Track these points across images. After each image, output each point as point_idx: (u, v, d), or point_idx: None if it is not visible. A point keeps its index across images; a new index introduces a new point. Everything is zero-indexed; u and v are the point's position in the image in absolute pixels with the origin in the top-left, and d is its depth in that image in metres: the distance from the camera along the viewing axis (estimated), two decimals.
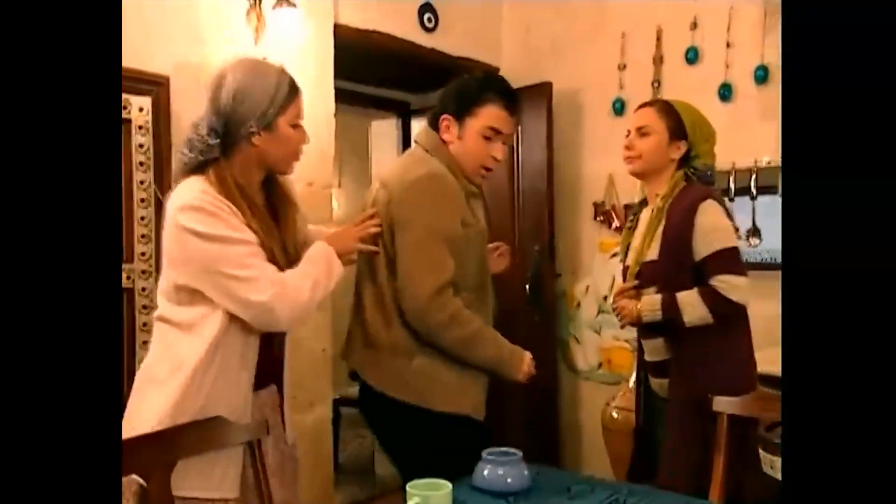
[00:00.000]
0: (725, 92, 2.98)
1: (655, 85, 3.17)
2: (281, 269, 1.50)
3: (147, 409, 1.47)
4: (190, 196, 1.45)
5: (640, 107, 2.09)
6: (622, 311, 2.02)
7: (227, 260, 1.44)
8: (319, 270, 1.54)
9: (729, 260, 1.88)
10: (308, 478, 2.64)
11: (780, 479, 2.35)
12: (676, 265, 1.92)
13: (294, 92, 1.54)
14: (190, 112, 2.37)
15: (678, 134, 1.99)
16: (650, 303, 1.94)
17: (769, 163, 2.81)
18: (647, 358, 2.04)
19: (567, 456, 3.48)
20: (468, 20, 3.47)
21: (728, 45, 2.97)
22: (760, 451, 2.50)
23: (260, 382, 1.60)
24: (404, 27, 3.14)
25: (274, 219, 1.56)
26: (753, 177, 2.86)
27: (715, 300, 1.86)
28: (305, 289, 1.49)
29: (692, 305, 1.87)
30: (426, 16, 3.25)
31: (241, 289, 1.44)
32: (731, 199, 2.93)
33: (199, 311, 1.48)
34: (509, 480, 1.47)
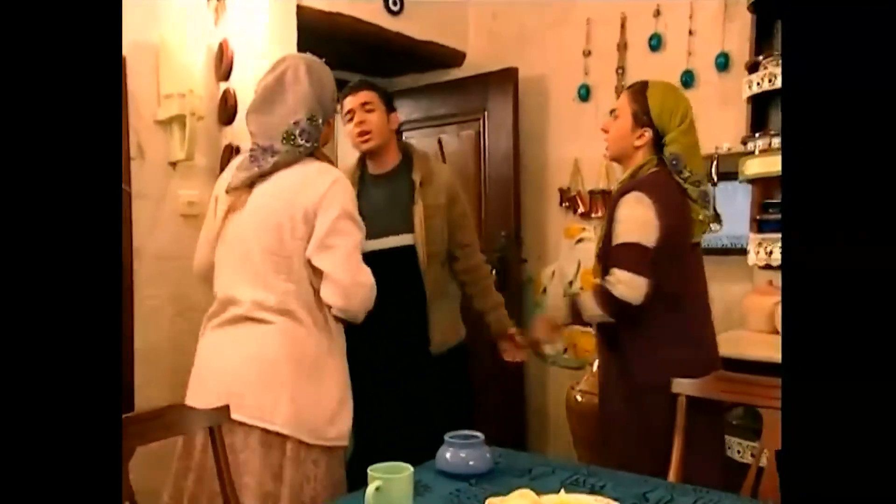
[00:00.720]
0: (688, 79, 3.02)
1: (620, 72, 3.20)
2: None
3: (329, 395, 1.66)
4: (342, 178, 1.68)
5: (627, 88, 2.06)
6: None
7: (359, 241, 1.67)
8: None
9: (624, 255, 1.83)
10: None
11: (736, 458, 2.41)
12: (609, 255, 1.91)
13: None
14: (147, 92, 2.33)
15: (641, 121, 1.93)
16: (563, 305, 2.02)
17: (729, 149, 2.85)
18: None
19: (533, 439, 3.52)
20: (434, 4, 3.45)
21: (690, 32, 3.01)
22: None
23: None
24: (369, 10, 3.10)
25: None
26: (714, 163, 2.90)
27: (602, 297, 1.85)
28: None
29: (588, 307, 1.90)
30: None
31: (363, 273, 1.67)
32: (715, 184, 2.91)
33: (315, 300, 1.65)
34: (471, 463, 1.48)
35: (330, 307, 1.66)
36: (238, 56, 2.36)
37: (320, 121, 1.68)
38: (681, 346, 1.93)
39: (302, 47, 2.68)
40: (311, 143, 1.66)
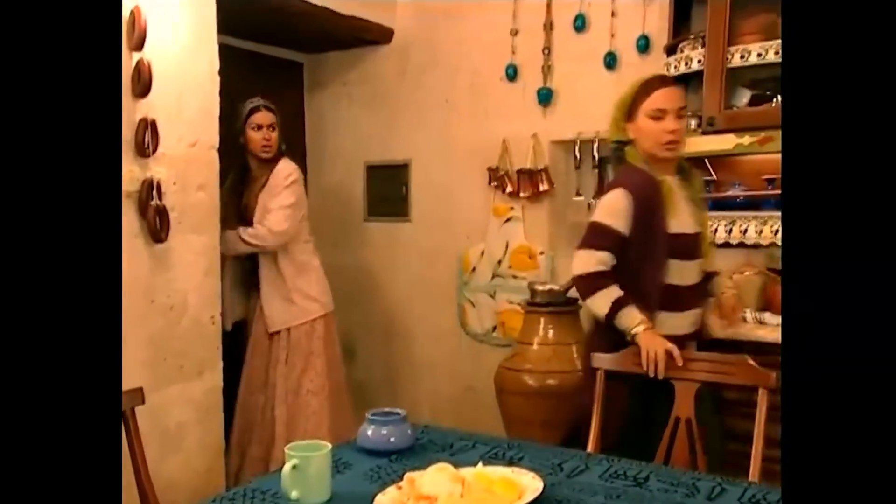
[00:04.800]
0: (611, 60, 3.07)
1: (546, 52, 3.22)
2: None
3: None
4: None
5: (663, 85, 2.02)
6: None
7: None
8: None
9: None
10: (197, 447, 2.57)
11: None
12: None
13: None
14: None
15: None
16: None
17: None
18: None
19: (465, 417, 3.55)
20: None
21: (613, 14, 3.05)
22: None
23: None
24: None
25: None
26: None
27: None
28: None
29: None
30: None
31: None
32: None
33: None
34: (392, 439, 1.48)
35: None
36: (152, 25, 2.26)
37: None
38: None
39: (221, 18, 2.59)
40: None
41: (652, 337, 1.86)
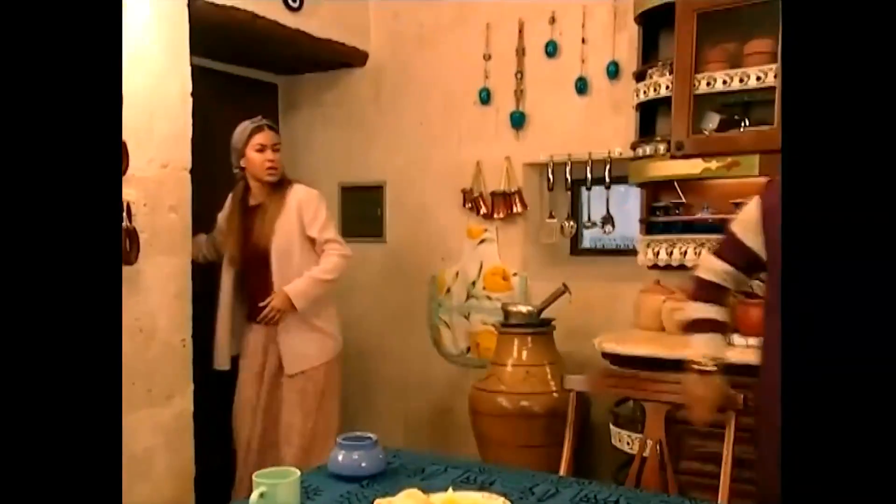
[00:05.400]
0: (582, 85, 3.12)
1: (518, 76, 3.27)
2: None
3: None
4: None
5: None
6: None
7: None
8: None
9: None
10: (166, 473, 2.52)
11: (626, 451, 2.52)
12: None
13: None
14: None
15: None
16: None
17: (621, 154, 2.98)
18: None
19: (440, 439, 3.54)
20: (335, 2, 3.40)
21: (583, 40, 3.11)
22: (611, 425, 2.68)
23: None
24: (267, 6, 3.02)
25: None
26: (607, 167, 3.02)
27: None
28: None
29: None
30: None
31: None
32: (589, 189, 3.10)
33: None
34: (364, 465, 1.47)
35: None
36: (125, 49, 2.25)
37: None
38: None
39: (194, 39, 2.59)
40: None
41: (698, 385, 1.68)
